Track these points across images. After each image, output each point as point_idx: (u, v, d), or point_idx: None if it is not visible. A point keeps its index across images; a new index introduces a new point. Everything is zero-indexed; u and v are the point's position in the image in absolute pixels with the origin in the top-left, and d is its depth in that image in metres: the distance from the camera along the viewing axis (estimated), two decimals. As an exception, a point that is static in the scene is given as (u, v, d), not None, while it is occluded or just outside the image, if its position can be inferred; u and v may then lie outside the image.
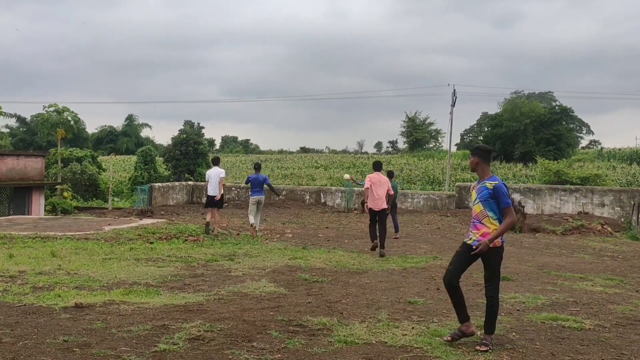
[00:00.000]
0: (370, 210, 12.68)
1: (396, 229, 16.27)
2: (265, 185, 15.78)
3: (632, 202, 23.33)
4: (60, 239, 13.49)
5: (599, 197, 24.41)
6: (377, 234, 12.57)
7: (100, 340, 5.57)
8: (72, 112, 41.22)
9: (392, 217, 15.58)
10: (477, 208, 6.00)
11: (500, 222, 5.85)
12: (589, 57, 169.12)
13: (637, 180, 42.55)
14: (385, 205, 12.71)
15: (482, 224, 5.92)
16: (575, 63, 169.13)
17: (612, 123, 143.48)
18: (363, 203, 13.35)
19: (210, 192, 15.57)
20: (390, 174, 16.56)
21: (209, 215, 15.42)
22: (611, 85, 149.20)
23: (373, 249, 12.52)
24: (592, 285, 9.48)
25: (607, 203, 24.08)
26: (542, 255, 13.31)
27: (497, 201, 5.86)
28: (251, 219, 15.32)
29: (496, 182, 5.95)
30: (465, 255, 5.99)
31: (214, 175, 15.52)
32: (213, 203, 15.49)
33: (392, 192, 13.10)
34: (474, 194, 6.13)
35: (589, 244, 16.22)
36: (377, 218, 12.64)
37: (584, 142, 75.95)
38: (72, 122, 41.11)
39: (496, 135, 58.95)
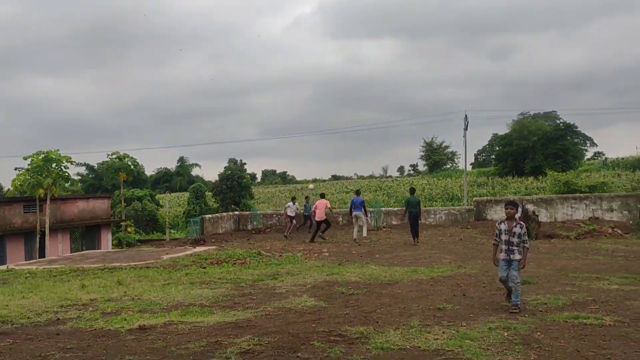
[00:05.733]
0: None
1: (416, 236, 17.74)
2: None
3: (639, 206, 22.51)
4: (125, 268, 13.60)
5: (607, 202, 23.63)
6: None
7: (161, 358, 5.50)
8: (132, 157, 42.18)
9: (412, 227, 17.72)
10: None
11: None
12: (581, 79, 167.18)
13: (642, 185, 41.10)
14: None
15: None
16: (571, 85, 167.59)
17: (611, 136, 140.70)
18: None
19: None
20: (412, 191, 18.90)
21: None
22: (605, 103, 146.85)
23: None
24: (608, 284, 9.07)
25: (616, 208, 23.29)
26: (559, 259, 12.86)
27: None
28: (354, 233, 19.31)
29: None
30: None
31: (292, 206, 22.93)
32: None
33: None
34: None
35: (602, 246, 15.64)
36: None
37: (588, 154, 74.00)
38: (132, 166, 42.01)
39: (507, 153, 57.95)
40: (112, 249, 26.94)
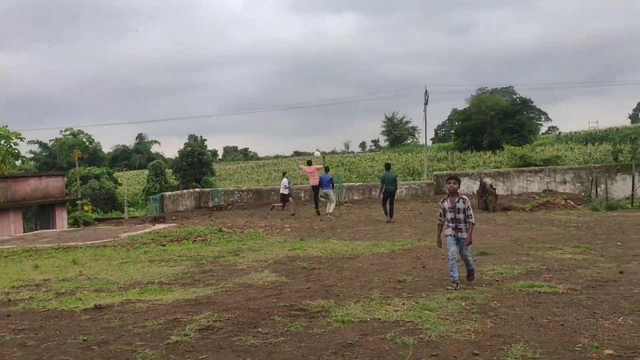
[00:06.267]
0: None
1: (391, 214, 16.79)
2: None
3: (591, 178, 23.29)
4: (81, 248, 13.24)
5: (560, 175, 24.35)
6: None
7: (117, 337, 5.36)
8: (87, 134, 40.86)
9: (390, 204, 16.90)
10: None
11: None
12: (537, 55, 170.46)
13: (593, 159, 42.59)
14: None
15: None
16: (526, 61, 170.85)
17: (565, 111, 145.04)
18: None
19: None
20: (387, 167, 18.10)
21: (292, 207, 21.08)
22: (559, 78, 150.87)
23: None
24: (561, 253, 9.36)
25: (569, 180, 24.03)
26: (515, 230, 13.19)
27: None
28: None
29: None
30: None
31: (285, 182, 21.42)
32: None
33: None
34: None
35: (556, 217, 16.13)
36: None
37: (543, 129, 76.03)
38: (87, 143, 40.77)
39: (466, 128, 58.85)
40: (68, 228, 26.20)
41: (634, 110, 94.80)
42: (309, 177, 20.97)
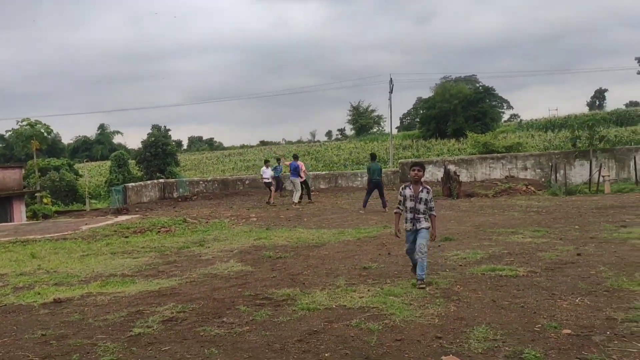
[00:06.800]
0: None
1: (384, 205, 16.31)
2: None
3: (550, 164, 23.90)
4: (40, 241, 12.86)
5: (522, 162, 24.92)
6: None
7: (77, 331, 5.23)
8: (45, 124, 39.62)
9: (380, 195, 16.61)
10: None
11: None
12: (499, 44, 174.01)
13: (553, 145, 43.65)
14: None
15: None
16: (489, 49, 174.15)
17: (526, 99, 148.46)
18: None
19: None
20: (372, 157, 17.93)
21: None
22: (521, 67, 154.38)
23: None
24: (522, 238, 9.57)
25: (529, 166, 24.61)
26: (478, 216, 13.43)
27: None
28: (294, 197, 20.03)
29: None
30: None
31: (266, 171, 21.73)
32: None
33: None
34: None
35: (517, 202, 16.50)
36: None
37: (505, 116, 77.41)
38: (45, 134, 39.54)
39: (430, 116, 59.46)
40: (27, 221, 25.42)
41: (592, 97, 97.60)
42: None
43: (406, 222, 6.56)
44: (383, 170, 29.43)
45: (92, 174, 54.12)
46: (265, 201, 21.04)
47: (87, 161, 50.81)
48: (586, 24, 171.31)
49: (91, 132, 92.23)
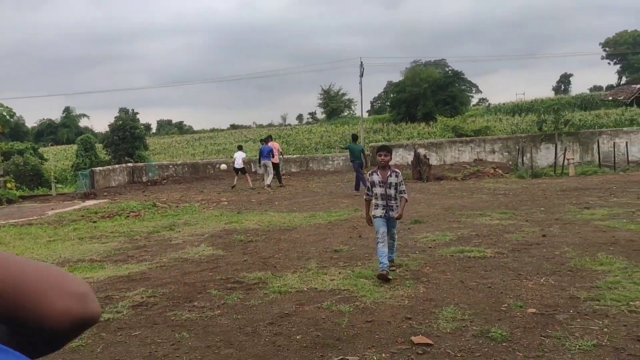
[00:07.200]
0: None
1: (356, 187, 16.50)
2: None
3: (517, 147, 24.33)
4: (4, 227, 12.52)
5: (490, 145, 25.30)
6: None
7: (44, 318, 5.13)
8: (7, 107, 38.24)
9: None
10: None
11: None
12: (467, 29, 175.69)
13: (520, 129, 44.36)
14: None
15: None
16: (458, 34, 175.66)
17: (494, 83, 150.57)
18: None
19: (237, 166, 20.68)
20: (354, 137, 18.17)
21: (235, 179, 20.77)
22: (489, 51, 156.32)
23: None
24: (490, 220, 9.75)
25: (497, 150, 25.01)
26: (447, 199, 13.61)
27: None
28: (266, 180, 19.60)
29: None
30: None
31: (239, 156, 20.97)
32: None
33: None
34: None
35: (485, 185, 16.77)
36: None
37: (474, 100, 78.28)
38: (7, 117, 38.22)
39: (400, 100, 59.65)
40: (-10, 207, 24.69)
41: (557, 82, 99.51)
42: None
43: (376, 208, 6.27)
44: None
45: (57, 157, 52.80)
46: (231, 185, 20.84)
47: (52, 145, 49.53)
48: (551, 10, 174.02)
49: (56, 116, 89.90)
